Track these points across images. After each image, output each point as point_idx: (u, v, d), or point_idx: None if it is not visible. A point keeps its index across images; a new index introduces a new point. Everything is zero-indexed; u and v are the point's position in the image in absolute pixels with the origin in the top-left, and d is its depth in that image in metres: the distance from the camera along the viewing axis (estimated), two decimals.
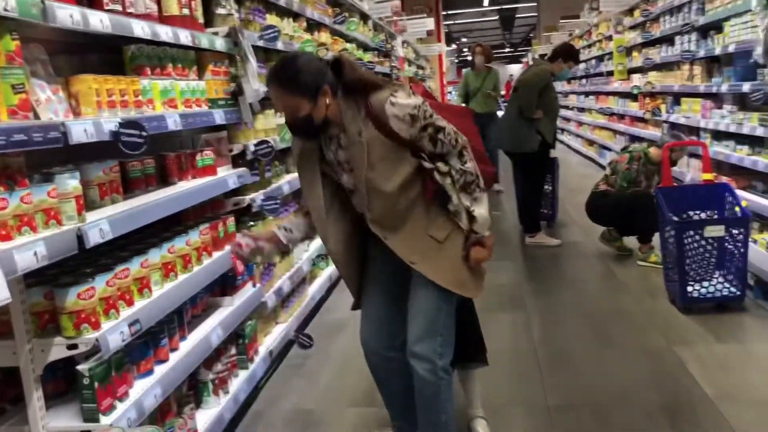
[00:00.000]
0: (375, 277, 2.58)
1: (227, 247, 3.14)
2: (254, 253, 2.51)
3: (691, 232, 4.24)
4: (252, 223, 3.64)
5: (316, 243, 4.99)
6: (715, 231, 4.21)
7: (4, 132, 1.72)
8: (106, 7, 2.39)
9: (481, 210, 2.38)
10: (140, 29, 2.54)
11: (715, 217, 4.52)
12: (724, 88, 5.44)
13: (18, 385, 2.10)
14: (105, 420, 2.13)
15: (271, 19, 4.30)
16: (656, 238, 4.95)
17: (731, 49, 5.14)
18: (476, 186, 2.37)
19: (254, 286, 3.49)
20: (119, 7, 2.48)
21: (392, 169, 2.29)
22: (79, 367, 2.12)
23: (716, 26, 5.78)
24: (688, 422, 3.01)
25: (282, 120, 4.33)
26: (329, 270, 5.14)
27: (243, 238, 2.52)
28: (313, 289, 4.77)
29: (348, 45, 6.95)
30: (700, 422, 2.99)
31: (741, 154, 5.09)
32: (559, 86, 14.80)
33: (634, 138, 8.98)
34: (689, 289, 4.26)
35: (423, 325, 2.42)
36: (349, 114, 2.27)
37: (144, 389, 2.36)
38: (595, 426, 3.03)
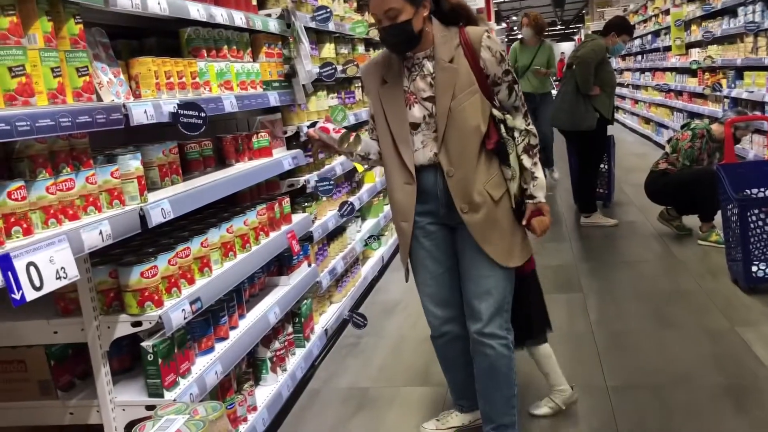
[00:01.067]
0: (421, 254, 2.55)
1: (284, 227, 3.18)
2: (343, 138, 2.43)
3: (756, 210, 4.10)
4: (306, 204, 3.67)
5: (369, 224, 5.01)
6: None
7: (70, 114, 1.76)
8: None
9: (540, 173, 2.45)
10: (196, 11, 2.57)
11: None
12: None
13: (85, 361, 2.17)
14: (168, 395, 2.18)
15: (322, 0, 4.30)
16: (717, 217, 4.79)
17: None
18: (537, 150, 2.45)
19: (309, 265, 3.53)
20: None
21: (471, 104, 2.33)
22: (144, 344, 2.17)
23: None
24: (755, 404, 2.92)
25: (334, 101, 4.34)
26: (381, 250, 5.16)
27: (327, 124, 2.46)
28: (366, 269, 4.80)
29: None
30: (767, 404, 2.90)
31: None
32: (614, 63, 14.43)
33: (692, 115, 8.70)
34: (754, 268, 4.12)
35: (495, 305, 2.45)
36: (443, 39, 2.35)
37: (205, 366, 2.41)
38: (655, 407, 2.97)
